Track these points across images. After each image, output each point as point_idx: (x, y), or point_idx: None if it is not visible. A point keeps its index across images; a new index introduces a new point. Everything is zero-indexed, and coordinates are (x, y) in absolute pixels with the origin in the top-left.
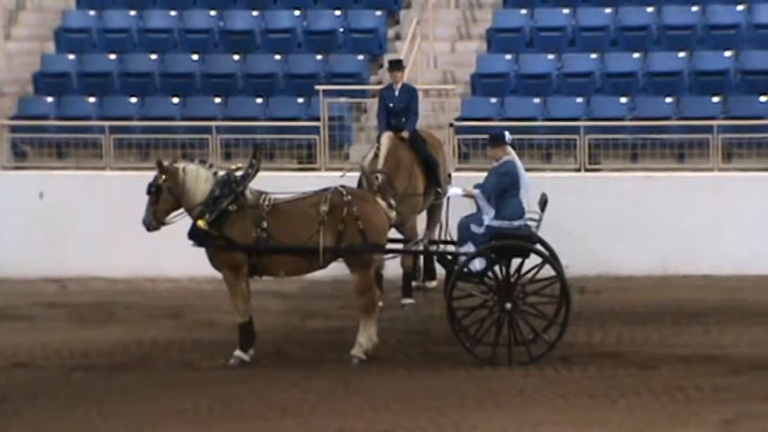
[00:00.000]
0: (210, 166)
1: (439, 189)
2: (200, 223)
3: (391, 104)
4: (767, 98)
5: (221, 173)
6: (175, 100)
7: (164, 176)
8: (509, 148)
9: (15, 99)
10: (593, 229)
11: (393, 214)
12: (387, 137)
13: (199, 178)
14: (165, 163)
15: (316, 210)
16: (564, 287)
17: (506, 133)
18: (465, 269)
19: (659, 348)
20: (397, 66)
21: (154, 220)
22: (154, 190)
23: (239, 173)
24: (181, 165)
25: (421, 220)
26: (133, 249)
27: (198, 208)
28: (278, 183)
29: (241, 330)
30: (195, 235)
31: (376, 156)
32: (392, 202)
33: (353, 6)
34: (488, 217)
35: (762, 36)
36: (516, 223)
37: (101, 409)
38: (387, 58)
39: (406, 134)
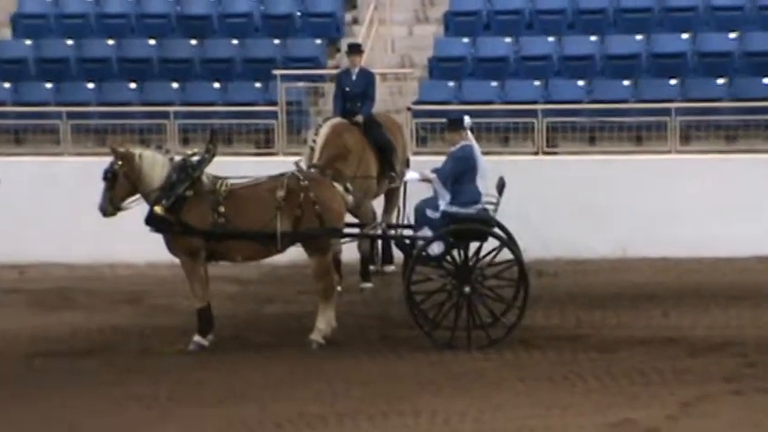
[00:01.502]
0: (167, 151)
1: (393, 173)
2: (157, 209)
3: (348, 89)
4: (724, 80)
5: (177, 158)
6: (133, 85)
7: (120, 162)
8: (467, 133)
9: None
10: (550, 212)
11: (350, 198)
12: (327, 125)
13: (155, 164)
14: (121, 149)
15: (273, 195)
16: (522, 270)
17: (466, 117)
18: (423, 253)
19: (618, 331)
20: (355, 50)
21: (110, 206)
22: (110, 176)
23: (195, 158)
24: (137, 150)
25: (379, 205)
26: (92, 235)
27: (154, 193)
28: (236, 168)
29: (200, 316)
30: (152, 221)
31: (312, 149)
32: (349, 186)
33: None
34: (444, 202)
35: (718, 18)
36: (472, 209)
37: (61, 395)
38: (344, 42)
39: (360, 118)
